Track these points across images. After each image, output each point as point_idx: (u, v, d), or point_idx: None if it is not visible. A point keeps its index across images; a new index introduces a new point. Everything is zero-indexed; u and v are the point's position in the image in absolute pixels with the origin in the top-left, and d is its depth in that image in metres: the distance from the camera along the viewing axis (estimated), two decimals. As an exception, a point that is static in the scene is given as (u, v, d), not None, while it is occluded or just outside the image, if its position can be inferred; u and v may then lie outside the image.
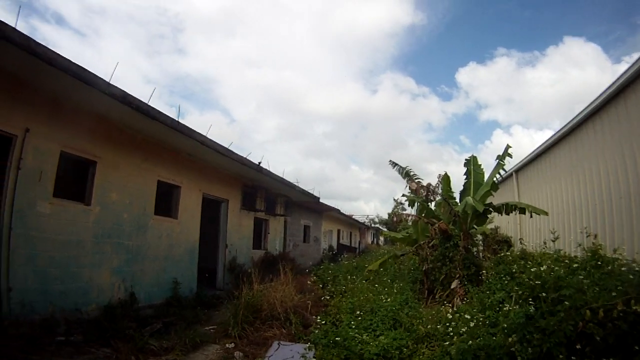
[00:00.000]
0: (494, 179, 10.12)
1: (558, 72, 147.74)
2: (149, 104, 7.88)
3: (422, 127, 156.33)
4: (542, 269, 5.82)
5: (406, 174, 11.44)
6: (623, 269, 5.31)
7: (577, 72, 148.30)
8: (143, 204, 9.37)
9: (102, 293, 8.03)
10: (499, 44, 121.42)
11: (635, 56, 8.24)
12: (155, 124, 8.39)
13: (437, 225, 9.73)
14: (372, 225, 54.17)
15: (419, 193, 10.74)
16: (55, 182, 7.14)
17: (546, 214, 9.57)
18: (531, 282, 5.56)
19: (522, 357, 4.18)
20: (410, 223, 12.54)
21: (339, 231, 33.73)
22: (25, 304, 6.36)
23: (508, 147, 10.31)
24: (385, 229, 42.71)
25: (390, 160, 11.96)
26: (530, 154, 15.07)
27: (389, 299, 7.84)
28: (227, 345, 6.70)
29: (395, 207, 53.59)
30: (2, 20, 5.08)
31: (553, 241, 7.29)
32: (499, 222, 15.24)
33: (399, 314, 6.96)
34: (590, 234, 7.30)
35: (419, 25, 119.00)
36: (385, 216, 63.28)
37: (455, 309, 7.20)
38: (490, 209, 9.96)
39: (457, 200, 11.07)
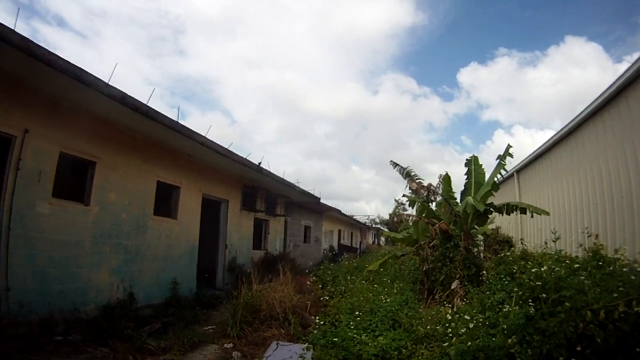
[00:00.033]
0: (495, 179, 10.07)
1: (559, 72, 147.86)
2: (148, 104, 7.88)
3: (423, 127, 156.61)
4: (542, 269, 5.76)
5: (407, 174, 11.39)
6: (624, 269, 5.26)
7: (579, 71, 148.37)
8: (142, 205, 9.36)
9: (101, 293, 8.02)
10: (500, 44, 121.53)
11: (635, 55, 8.21)
12: (155, 125, 8.38)
13: (437, 225, 9.69)
14: (373, 225, 54.16)
15: (420, 193, 10.70)
16: (55, 183, 7.14)
17: (547, 214, 9.51)
18: (531, 282, 5.51)
19: (522, 359, 4.14)
20: (410, 223, 12.51)
21: (339, 231, 33.73)
22: (23, 304, 6.35)
23: (509, 147, 10.26)
24: (386, 230, 42.60)
25: (391, 161, 11.94)
26: (531, 154, 15.01)
27: (388, 300, 7.80)
28: (225, 345, 6.68)
29: (397, 207, 53.46)
30: (1, 22, 5.10)
31: (554, 241, 7.25)
32: (500, 222, 15.19)
33: (399, 314, 6.93)
34: (591, 234, 7.26)
35: (420, 26, 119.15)
36: (387, 216, 63.22)
37: (455, 309, 7.17)
38: (491, 209, 9.90)
39: (458, 200, 11.02)
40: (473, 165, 11.16)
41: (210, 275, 12.65)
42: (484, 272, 8.24)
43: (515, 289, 5.95)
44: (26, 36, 5.42)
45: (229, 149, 11.13)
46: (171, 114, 8.94)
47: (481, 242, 11.58)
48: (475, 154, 11.48)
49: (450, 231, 9.42)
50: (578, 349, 3.93)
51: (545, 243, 7.93)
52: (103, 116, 8.06)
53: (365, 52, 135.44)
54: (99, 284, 8.03)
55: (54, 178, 7.12)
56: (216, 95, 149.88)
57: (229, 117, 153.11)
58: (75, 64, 6.17)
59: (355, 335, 6.07)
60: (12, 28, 5.26)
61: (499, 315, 5.57)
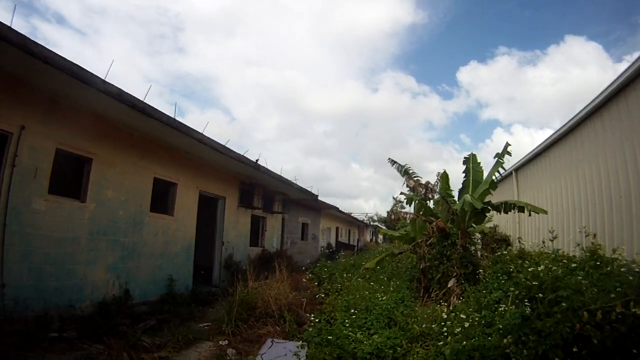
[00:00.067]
0: (493, 177, 10.03)
1: (559, 71, 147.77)
2: (145, 101, 7.86)
3: (422, 125, 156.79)
4: (539, 268, 5.75)
5: (405, 172, 11.36)
6: (622, 269, 5.24)
7: (579, 71, 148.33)
8: (139, 201, 9.33)
9: (97, 290, 7.99)
10: (500, 42, 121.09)
11: (635, 55, 8.18)
12: (152, 122, 8.35)
13: (435, 223, 9.68)
14: (371, 223, 54.16)
15: (417, 191, 10.66)
16: (51, 179, 7.12)
17: (545, 212, 9.48)
18: (528, 282, 5.50)
19: (517, 359, 4.13)
20: (408, 221, 12.48)
21: (337, 229, 33.71)
22: (19, 301, 6.33)
23: (507, 145, 10.21)
24: (384, 227, 42.60)
25: (389, 158, 11.89)
26: (530, 153, 14.99)
27: (384, 297, 7.79)
28: (220, 342, 6.68)
29: (395, 205, 53.46)
30: (-2, 20, 5.06)
31: (551, 240, 7.23)
32: (498, 220, 15.20)
33: (394, 312, 6.91)
34: (589, 234, 7.22)
35: (420, 24, 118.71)
36: (385, 214, 63.18)
37: (451, 308, 7.16)
38: (489, 207, 9.87)
39: (456, 198, 11.00)
40: (471, 163, 11.12)
41: (206, 272, 12.60)
42: (480, 270, 8.24)
43: (512, 289, 5.93)
44: (23, 33, 5.41)
45: (227, 145, 11.13)
46: (170, 111, 8.90)
47: (478, 241, 11.57)
48: (474, 152, 11.42)
49: (447, 229, 9.41)
50: (574, 350, 3.89)
51: (543, 242, 7.91)
52: (100, 113, 8.03)
53: (365, 50, 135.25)
54: (95, 280, 8.00)
55: (50, 175, 7.09)
56: (216, 93, 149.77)
57: (228, 114, 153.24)
58: (72, 61, 6.16)
59: (350, 334, 6.05)
60: (9, 25, 5.23)
61: (495, 315, 5.57)
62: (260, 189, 15.90)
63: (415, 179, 11.08)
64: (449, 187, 11.21)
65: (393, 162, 11.83)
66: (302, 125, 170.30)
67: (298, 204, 21.34)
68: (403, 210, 28.29)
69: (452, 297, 8.10)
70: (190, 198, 11.54)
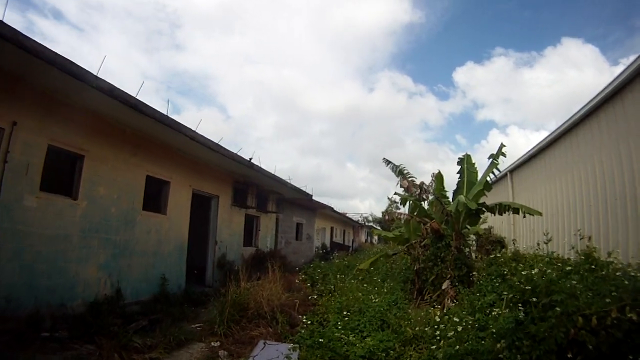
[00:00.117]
0: (488, 178, 10.02)
1: (556, 73, 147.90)
2: (138, 97, 7.77)
3: (418, 125, 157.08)
4: (534, 272, 5.70)
5: (399, 172, 11.36)
6: (618, 273, 5.21)
7: (575, 73, 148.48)
8: (131, 199, 9.23)
9: (89, 288, 7.89)
10: (497, 43, 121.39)
11: (632, 57, 8.16)
12: (144, 118, 8.26)
13: (429, 224, 9.65)
14: (366, 223, 54.16)
15: (411, 191, 10.67)
16: (43, 176, 7.02)
17: (540, 214, 9.47)
18: (522, 285, 5.45)
19: (511, 364, 4.09)
20: (402, 222, 12.47)
21: (332, 229, 33.67)
22: (11, 299, 6.22)
23: (502, 146, 10.21)
24: (378, 228, 42.63)
25: (384, 158, 11.92)
26: (525, 154, 15.00)
27: (377, 299, 7.75)
28: (212, 343, 6.61)
29: (390, 205, 53.53)
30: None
31: (546, 243, 7.21)
32: (493, 222, 15.18)
33: (387, 314, 6.88)
34: (584, 236, 7.20)
35: (418, 24, 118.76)
36: (380, 215, 63.26)
37: (445, 310, 7.13)
38: (484, 208, 9.86)
39: (451, 199, 10.98)
40: (466, 163, 11.11)
41: (199, 272, 12.48)
42: (475, 272, 8.22)
43: (506, 292, 5.90)
44: (16, 28, 5.34)
45: (220, 144, 11.02)
46: (166, 109, 8.84)
47: (473, 242, 11.55)
48: (469, 153, 11.43)
49: (441, 230, 9.38)
50: (569, 355, 3.85)
51: (538, 244, 7.90)
52: (92, 109, 7.92)
53: (363, 49, 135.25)
54: (87, 279, 7.90)
55: (42, 171, 6.99)
56: (212, 90, 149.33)
57: (224, 112, 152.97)
58: (64, 56, 6.07)
59: (342, 336, 6.04)
60: (1, 19, 5.17)
61: (489, 318, 5.53)
62: (254, 188, 15.82)
63: (410, 179, 11.09)
64: (444, 187, 11.21)
65: (388, 162, 11.84)
66: (298, 124, 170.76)
67: (293, 204, 21.25)
68: (398, 211, 28.37)
69: (445, 300, 8.07)
70: (183, 196, 11.45)
